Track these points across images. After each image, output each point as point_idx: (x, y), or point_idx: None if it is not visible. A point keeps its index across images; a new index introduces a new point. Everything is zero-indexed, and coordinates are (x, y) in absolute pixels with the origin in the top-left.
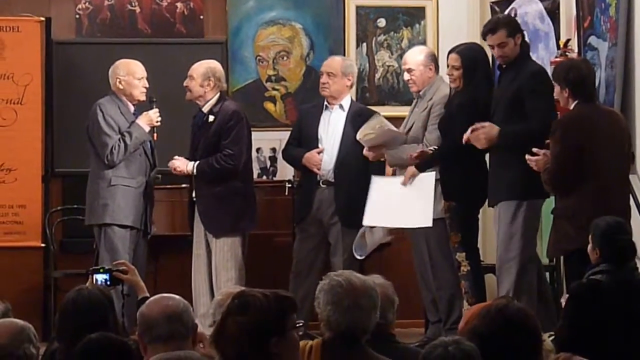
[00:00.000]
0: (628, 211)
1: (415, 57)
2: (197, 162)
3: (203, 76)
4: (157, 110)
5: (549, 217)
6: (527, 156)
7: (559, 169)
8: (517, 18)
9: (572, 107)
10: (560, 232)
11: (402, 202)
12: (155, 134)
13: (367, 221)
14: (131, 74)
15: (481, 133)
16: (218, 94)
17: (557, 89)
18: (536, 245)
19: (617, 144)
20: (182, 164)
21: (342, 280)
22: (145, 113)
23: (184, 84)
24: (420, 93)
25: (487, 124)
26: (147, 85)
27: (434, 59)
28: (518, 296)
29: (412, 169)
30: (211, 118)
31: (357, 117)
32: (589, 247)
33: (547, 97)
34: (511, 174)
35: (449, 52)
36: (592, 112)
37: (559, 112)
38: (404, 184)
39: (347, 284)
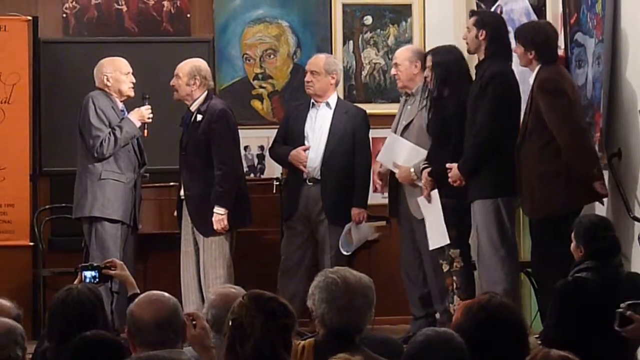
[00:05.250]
0: None
1: (402, 52)
2: (213, 203)
3: (189, 75)
4: (149, 106)
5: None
6: None
7: (574, 119)
8: (502, 15)
9: (536, 68)
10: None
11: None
12: (146, 130)
13: (432, 245)
14: (117, 70)
15: (452, 180)
16: (205, 93)
17: (520, 49)
18: (516, 244)
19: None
20: (218, 220)
21: (338, 278)
22: (137, 109)
23: (171, 84)
24: (413, 91)
25: (449, 169)
26: (134, 80)
27: (421, 56)
28: (504, 290)
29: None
30: (199, 117)
31: (343, 115)
32: (573, 244)
33: (493, 104)
34: (484, 172)
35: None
36: (563, 69)
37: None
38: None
39: (343, 282)
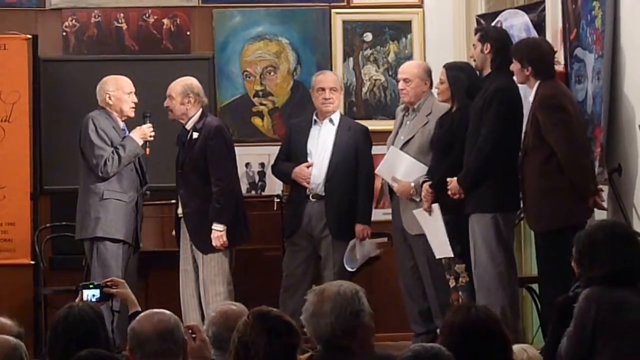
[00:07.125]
0: None
1: (413, 68)
2: (212, 220)
3: (182, 94)
4: (150, 125)
5: (528, 231)
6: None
7: (574, 135)
8: None
9: (535, 85)
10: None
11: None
12: (148, 149)
13: (439, 255)
14: (120, 89)
15: (451, 192)
16: (200, 110)
17: (516, 65)
18: (514, 258)
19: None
20: (217, 237)
21: (318, 291)
22: (139, 127)
23: (165, 105)
24: (415, 107)
25: (449, 183)
26: (136, 100)
27: (430, 74)
28: (503, 306)
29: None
30: (195, 135)
31: (346, 131)
32: (573, 260)
33: (497, 118)
34: (484, 185)
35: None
36: (563, 86)
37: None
38: (428, 211)
39: (322, 293)
